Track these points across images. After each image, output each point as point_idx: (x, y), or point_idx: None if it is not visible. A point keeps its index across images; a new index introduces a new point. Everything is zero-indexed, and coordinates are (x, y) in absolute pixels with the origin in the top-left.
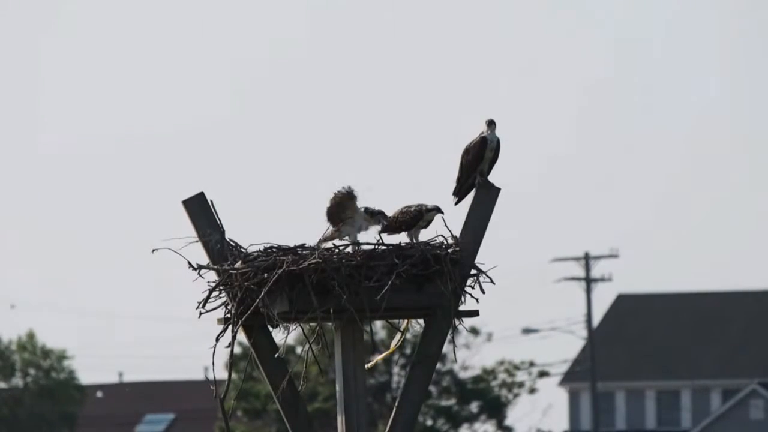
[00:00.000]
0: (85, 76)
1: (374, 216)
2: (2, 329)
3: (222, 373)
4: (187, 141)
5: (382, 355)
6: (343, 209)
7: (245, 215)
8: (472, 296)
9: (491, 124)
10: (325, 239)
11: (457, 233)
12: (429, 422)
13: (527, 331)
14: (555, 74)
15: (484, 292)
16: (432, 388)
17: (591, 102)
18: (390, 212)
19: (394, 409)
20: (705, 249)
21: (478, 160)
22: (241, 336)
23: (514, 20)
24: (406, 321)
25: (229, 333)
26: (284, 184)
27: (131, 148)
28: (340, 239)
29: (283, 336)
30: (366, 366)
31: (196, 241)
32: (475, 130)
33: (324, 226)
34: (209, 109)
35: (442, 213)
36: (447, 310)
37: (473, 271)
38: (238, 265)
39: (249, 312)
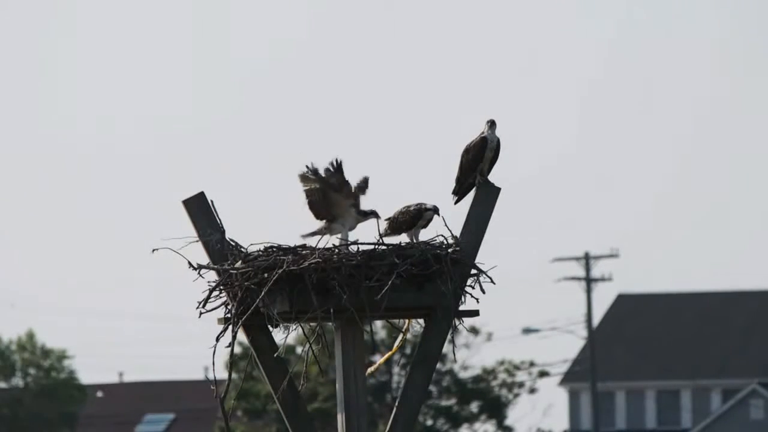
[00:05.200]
0: (85, 76)
1: (367, 215)
2: (2, 329)
3: (222, 373)
4: (187, 141)
5: (384, 357)
6: (330, 203)
7: (245, 215)
8: (472, 296)
9: (492, 124)
10: (311, 234)
11: (457, 233)
12: (429, 422)
13: (527, 331)
14: (555, 74)
15: (484, 292)
16: (432, 388)
17: (591, 101)
18: (389, 212)
19: (394, 409)
20: (705, 249)
21: (478, 159)
22: (241, 336)
23: (514, 20)
24: (406, 321)
25: (229, 333)
26: (284, 184)
27: (132, 148)
28: (330, 236)
29: (283, 336)
30: (367, 372)
31: (196, 241)
32: (475, 130)
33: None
34: (209, 109)
35: (439, 214)
36: (447, 310)
37: (473, 271)
38: (238, 265)
39: (249, 312)
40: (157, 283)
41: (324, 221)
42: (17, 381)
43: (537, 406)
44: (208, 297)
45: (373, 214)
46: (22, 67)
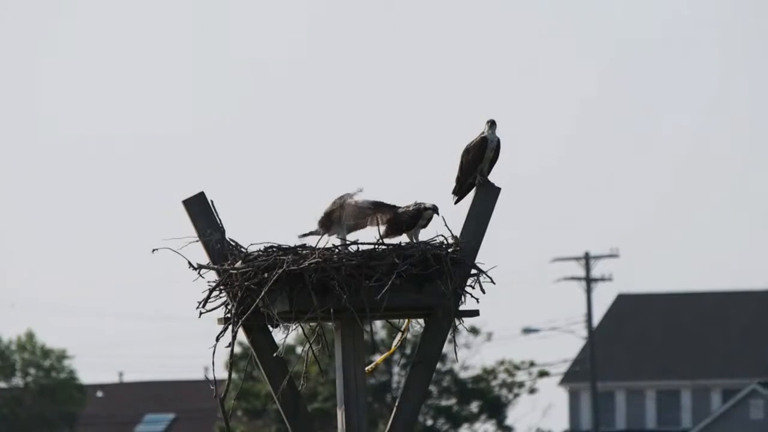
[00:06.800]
0: (86, 77)
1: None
2: (2, 329)
3: (222, 373)
4: (187, 141)
5: (383, 356)
6: (332, 216)
7: (245, 215)
8: (472, 296)
9: (492, 124)
10: (306, 234)
11: (457, 233)
12: (429, 422)
13: (527, 331)
14: (555, 74)
15: (484, 292)
16: (432, 388)
17: (591, 102)
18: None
19: (394, 409)
20: (705, 249)
21: (478, 159)
22: (241, 336)
23: (514, 20)
24: (406, 321)
25: (229, 333)
26: (284, 184)
27: (132, 148)
28: (328, 236)
29: (283, 336)
30: (366, 369)
31: (196, 241)
32: (475, 130)
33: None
34: (209, 110)
35: (438, 213)
36: (447, 310)
37: (473, 271)
38: (238, 264)
39: (249, 312)
40: (157, 283)
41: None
42: (17, 381)
43: (537, 406)
44: (208, 297)
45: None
46: (23, 67)
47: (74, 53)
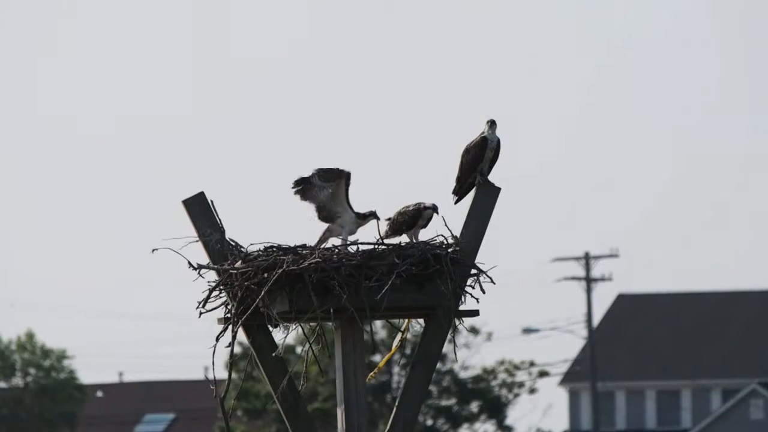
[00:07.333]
0: (85, 76)
1: (366, 218)
2: (2, 329)
3: (222, 373)
4: (187, 141)
5: (384, 359)
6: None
7: (245, 215)
8: (472, 296)
9: (492, 124)
10: (319, 242)
11: (458, 233)
12: (429, 422)
13: (527, 331)
14: (555, 74)
15: (484, 292)
16: (432, 388)
17: (591, 102)
18: (389, 213)
19: (394, 409)
20: (705, 249)
21: (478, 159)
22: (241, 336)
23: (515, 20)
24: (406, 321)
25: (229, 333)
26: (284, 184)
27: (132, 147)
28: (334, 237)
29: (283, 336)
30: (368, 378)
31: (196, 241)
32: (475, 130)
33: (322, 227)
34: (209, 109)
35: (438, 213)
36: (447, 310)
37: (473, 271)
38: (238, 264)
39: (249, 312)
40: (157, 283)
41: (325, 225)
42: (17, 381)
43: (537, 406)
44: (208, 297)
45: (372, 215)
46: (22, 65)
47: (74, 53)
